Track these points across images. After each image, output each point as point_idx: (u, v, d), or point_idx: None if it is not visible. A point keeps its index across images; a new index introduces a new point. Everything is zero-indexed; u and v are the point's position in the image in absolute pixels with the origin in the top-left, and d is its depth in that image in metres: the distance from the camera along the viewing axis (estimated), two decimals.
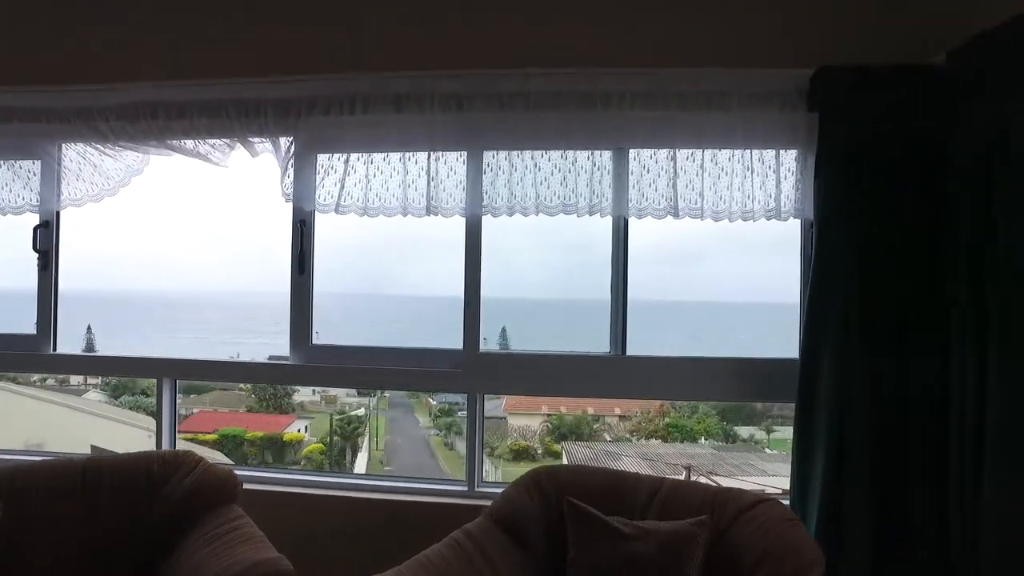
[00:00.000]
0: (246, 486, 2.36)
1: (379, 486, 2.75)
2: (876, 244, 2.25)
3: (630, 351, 2.65)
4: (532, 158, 2.55)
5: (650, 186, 2.50)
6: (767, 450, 11.24)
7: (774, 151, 2.46)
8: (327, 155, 2.68)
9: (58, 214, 2.98)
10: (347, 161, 2.64)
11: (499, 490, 2.59)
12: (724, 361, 2.56)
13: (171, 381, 2.90)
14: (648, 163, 2.51)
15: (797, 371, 2.36)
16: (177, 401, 2.97)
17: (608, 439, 11.79)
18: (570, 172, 2.53)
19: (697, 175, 2.48)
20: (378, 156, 2.63)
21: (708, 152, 2.48)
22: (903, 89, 2.26)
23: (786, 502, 2.21)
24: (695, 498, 2.10)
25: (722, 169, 2.47)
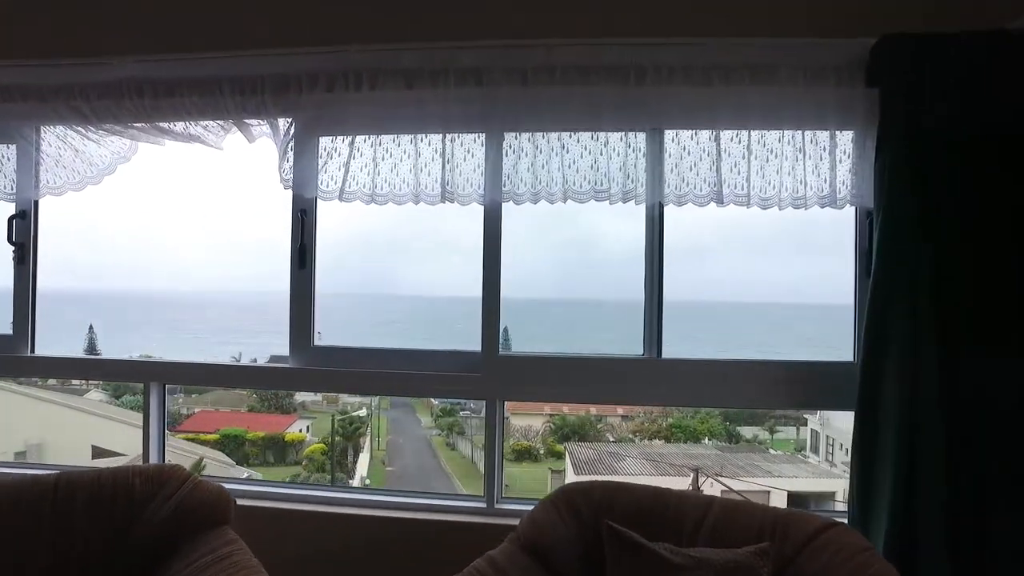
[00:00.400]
0: (240, 501, 2.06)
1: (388, 502, 2.45)
2: (950, 233, 1.95)
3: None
4: (559, 139, 2.24)
5: (691, 170, 2.20)
6: (771, 451, 10.98)
7: (828, 132, 2.16)
8: (330, 137, 2.37)
9: (36, 203, 2.67)
10: (352, 143, 2.34)
11: (522, 507, 2.30)
12: (772, 365, 2.26)
13: (159, 386, 2.59)
14: (688, 144, 2.21)
15: (856, 376, 2.06)
16: (170, 406, 2.66)
17: (611, 439, 11.52)
18: (601, 154, 2.23)
19: (743, 158, 2.18)
20: (387, 137, 2.33)
21: (755, 133, 2.18)
22: (977, 59, 1.96)
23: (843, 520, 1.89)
24: (752, 522, 1.80)
25: (770, 151, 2.17)
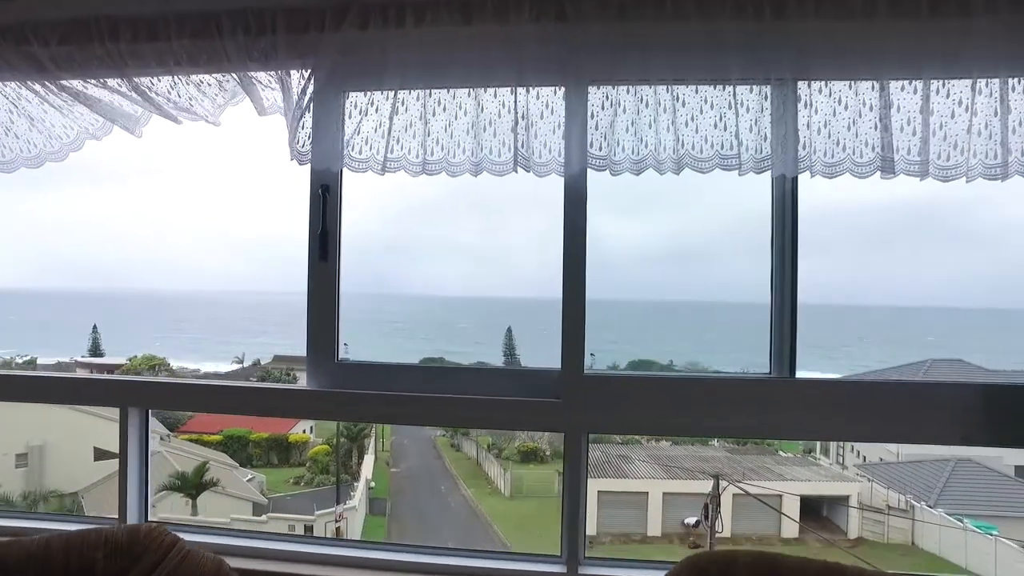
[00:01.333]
0: (236, 564, 1.41)
1: (430, 565, 1.79)
2: None
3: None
4: (670, 91, 1.60)
5: (848, 129, 1.56)
6: (780, 452, 10.44)
7: None
8: (362, 92, 1.73)
9: None
10: (395, 98, 1.69)
11: (614, 572, 1.66)
12: (956, 387, 1.62)
13: (140, 413, 1.92)
14: (844, 95, 1.57)
15: None
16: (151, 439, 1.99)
17: (619, 441, 10.94)
18: (728, 109, 1.59)
19: (919, 113, 1.55)
20: (439, 91, 1.68)
21: (934, 83, 1.55)
22: None
23: None
24: None
25: (957, 103, 1.54)
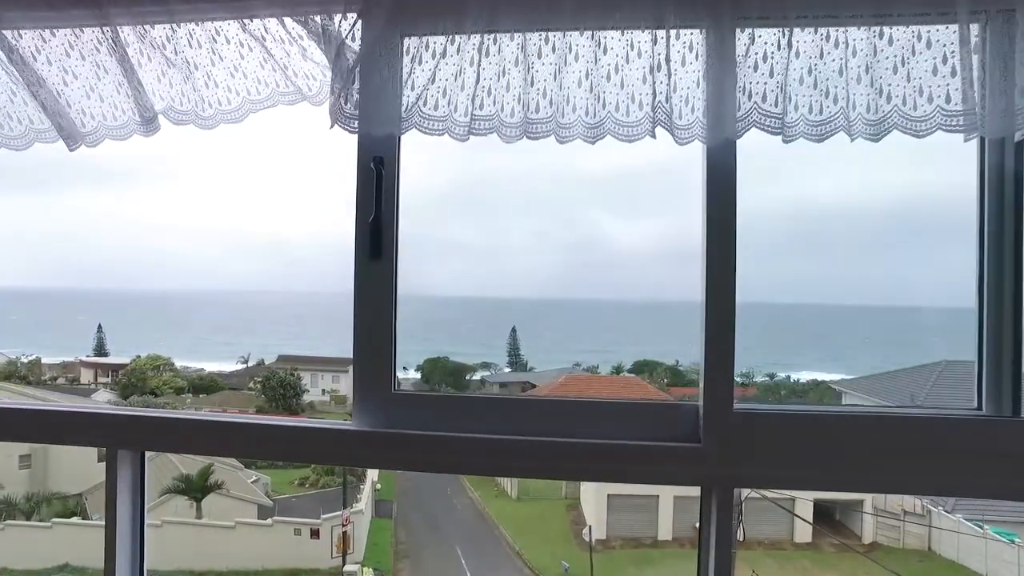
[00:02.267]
0: None
1: None
2: None
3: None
4: (847, 34, 1.11)
5: None
6: None
7: None
8: (429, 36, 1.23)
9: None
10: (482, 42, 1.19)
11: None
12: None
13: (133, 457, 1.41)
14: None
15: None
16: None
17: None
18: (956, 47, 1.10)
19: None
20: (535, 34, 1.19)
21: None
22: None
23: None
24: None
25: None
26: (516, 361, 13.83)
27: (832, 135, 1.10)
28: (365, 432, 1.30)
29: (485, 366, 13.87)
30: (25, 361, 14.62)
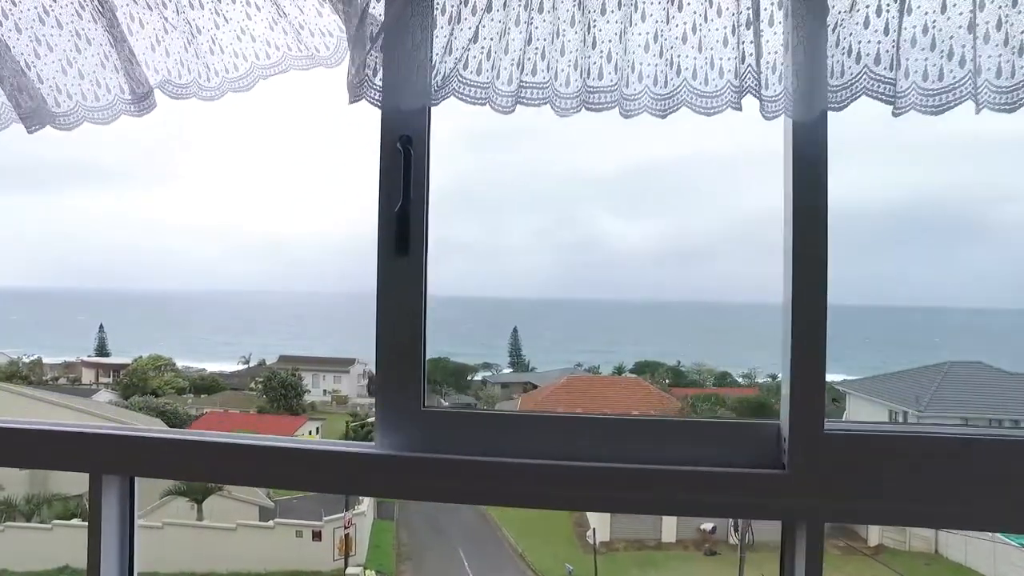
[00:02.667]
0: None
1: None
2: None
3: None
4: None
5: None
6: None
7: None
8: None
9: None
10: None
11: None
12: None
13: (121, 482, 1.20)
14: None
15: None
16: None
17: None
18: None
19: None
20: None
21: None
22: None
23: None
24: None
25: None
26: (517, 361, 13.64)
27: (963, 101, 0.91)
28: (392, 456, 1.10)
29: (486, 366, 13.70)
30: (27, 361, 14.41)
